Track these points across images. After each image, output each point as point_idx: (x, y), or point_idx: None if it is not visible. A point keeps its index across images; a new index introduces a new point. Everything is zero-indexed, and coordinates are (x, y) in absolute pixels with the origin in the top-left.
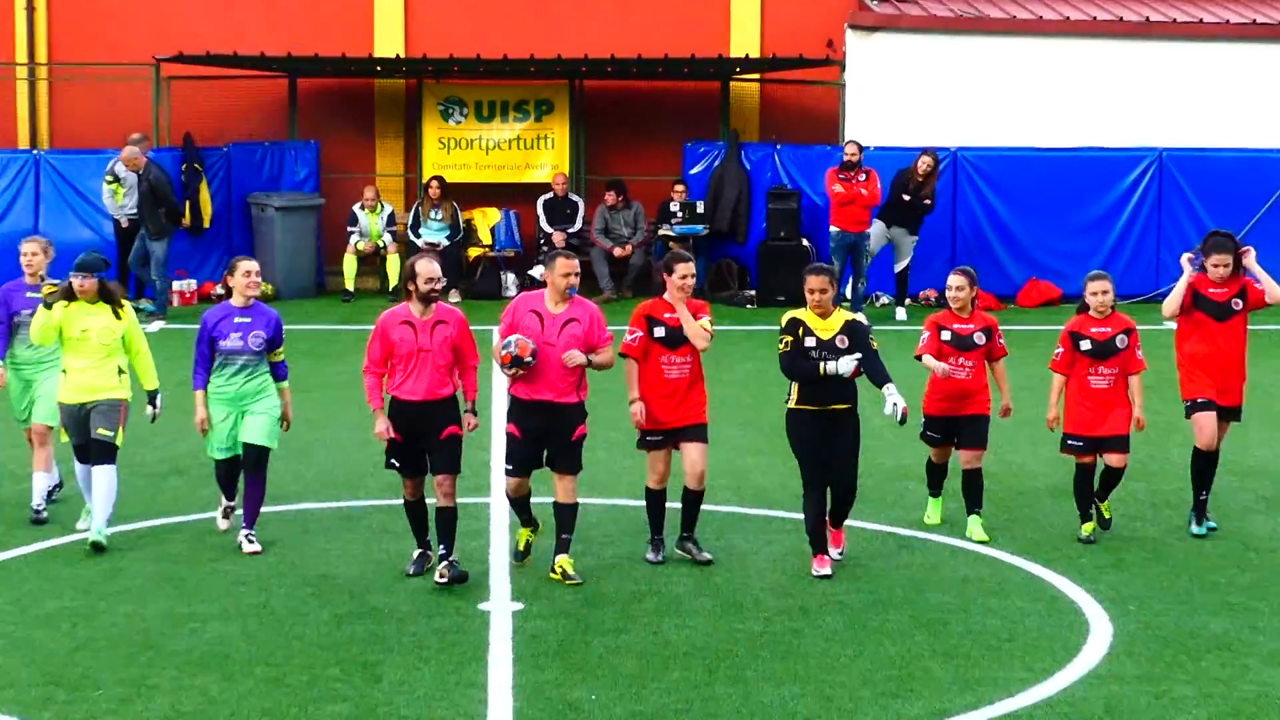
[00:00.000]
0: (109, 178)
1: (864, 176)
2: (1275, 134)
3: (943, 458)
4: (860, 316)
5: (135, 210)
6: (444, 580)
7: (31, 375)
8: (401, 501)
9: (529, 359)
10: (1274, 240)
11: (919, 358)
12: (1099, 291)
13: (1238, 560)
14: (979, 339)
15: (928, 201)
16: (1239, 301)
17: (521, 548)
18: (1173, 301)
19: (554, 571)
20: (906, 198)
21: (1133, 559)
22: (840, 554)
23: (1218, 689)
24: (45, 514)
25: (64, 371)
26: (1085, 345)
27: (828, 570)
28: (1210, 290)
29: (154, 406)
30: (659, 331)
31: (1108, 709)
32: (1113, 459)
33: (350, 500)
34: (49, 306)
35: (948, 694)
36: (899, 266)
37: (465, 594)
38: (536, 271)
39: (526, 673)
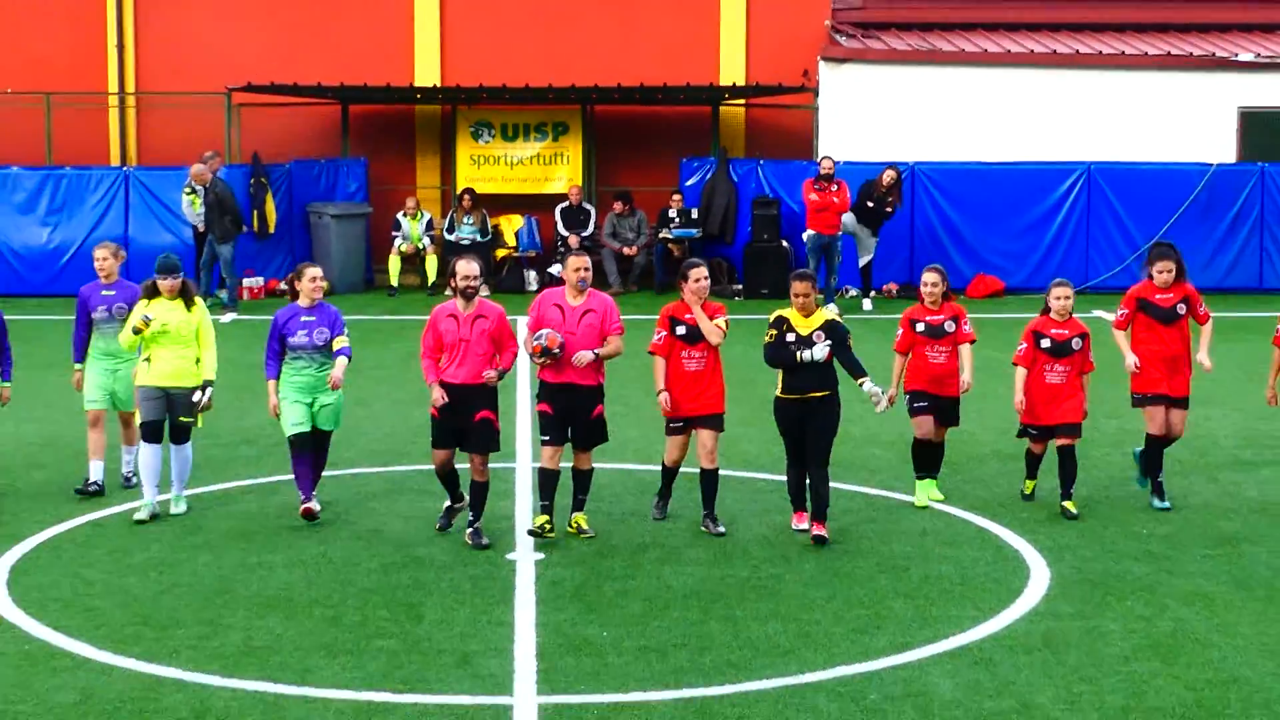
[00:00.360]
0: (187, 189)
1: (835, 187)
2: (1187, 150)
3: (928, 431)
4: (836, 315)
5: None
6: (469, 544)
7: (114, 367)
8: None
9: (557, 350)
10: (1186, 240)
11: (897, 353)
12: (1061, 297)
13: (1156, 515)
14: (949, 327)
15: (890, 210)
16: (1182, 307)
17: (535, 527)
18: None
19: (570, 526)
20: (870, 204)
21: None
22: (823, 535)
23: (1140, 624)
24: (135, 480)
25: (146, 360)
26: (1045, 343)
27: (805, 525)
28: (1157, 296)
29: (204, 393)
30: (680, 330)
31: (1045, 641)
32: (1062, 440)
33: (396, 466)
34: (138, 331)
35: (909, 629)
36: (862, 262)
37: (495, 546)
38: (555, 269)
39: (547, 612)
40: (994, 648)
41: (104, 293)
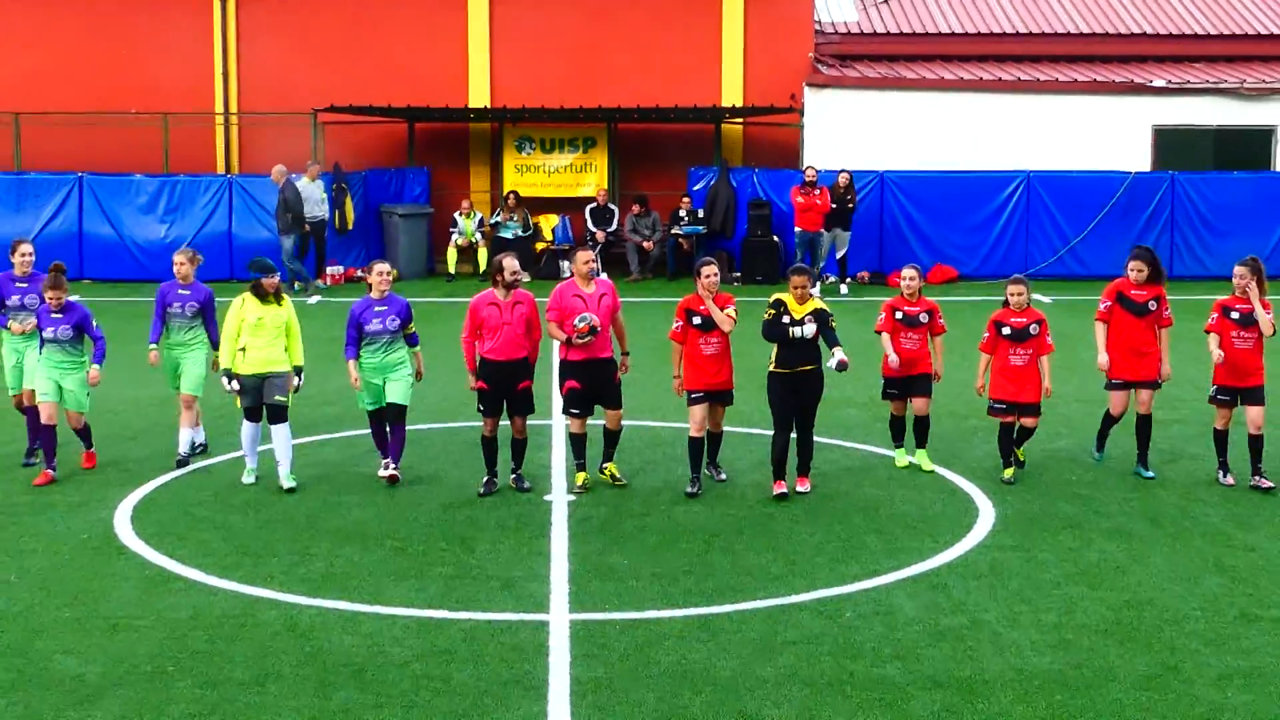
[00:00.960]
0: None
1: (818, 191)
2: (1110, 161)
3: (901, 410)
4: (822, 304)
5: (317, 215)
6: (514, 488)
7: (180, 355)
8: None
9: (597, 327)
10: (1110, 238)
11: (878, 333)
12: (1015, 293)
13: (1083, 465)
14: (923, 318)
15: (851, 206)
16: (1154, 304)
17: (579, 484)
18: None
19: (602, 473)
20: (834, 205)
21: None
22: (807, 490)
23: (1070, 555)
24: (189, 460)
25: (242, 350)
26: (1006, 331)
27: (784, 491)
28: (1132, 292)
29: (298, 377)
30: (696, 320)
31: (991, 569)
32: (1027, 421)
33: (451, 423)
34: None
35: (878, 559)
36: (840, 254)
37: (534, 489)
38: (565, 266)
39: (578, 544)
40: (949, 574)
41: (180, 292)
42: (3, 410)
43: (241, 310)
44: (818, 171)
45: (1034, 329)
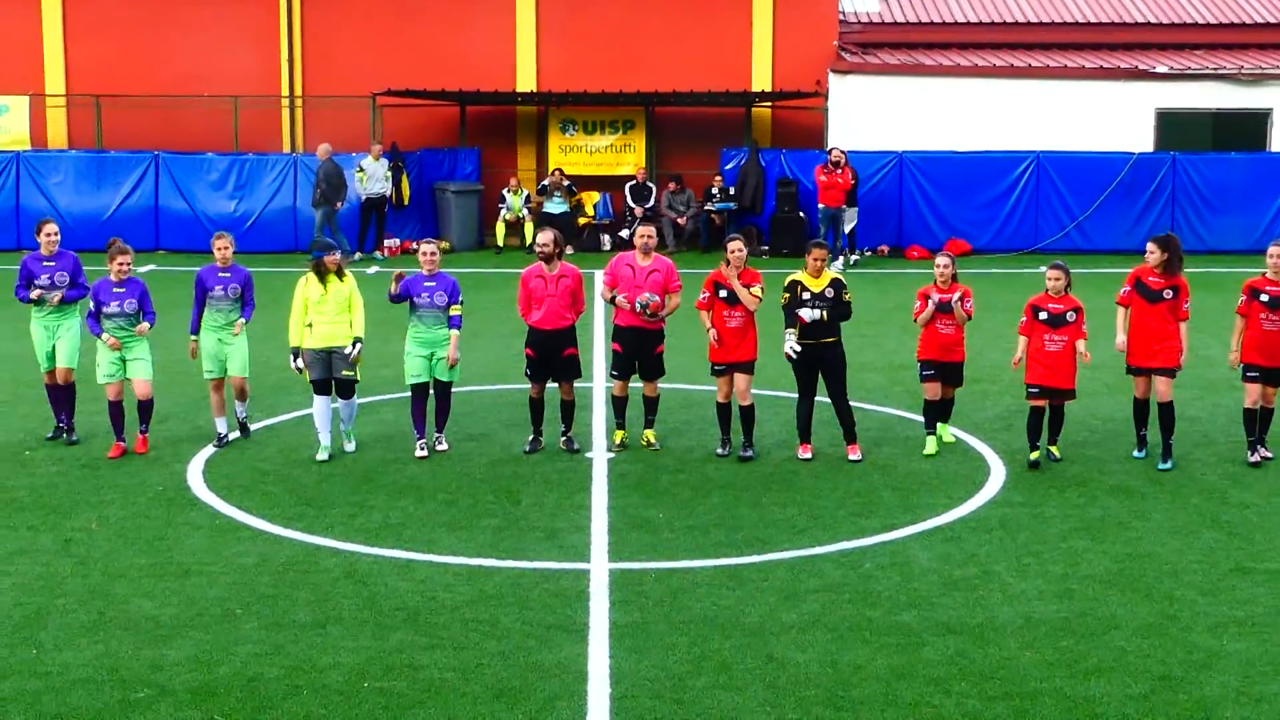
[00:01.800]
0: (358, 169)
1: (840, 170)
2: (1114, 142)
3: (936, 395)
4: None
5: (378, 191)
6: (563, 449)
7: (227, 339)
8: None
9: (652, 310)
10: (1114, 215)
11: (916, 319)
12: (1053, 279)
13: (1089, 426)
14: (956, 304)
15: (853, 181)
16: (1169, 292)
17: (617, 443)
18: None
19: (642, 441)
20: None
21: (1019, 425)
22: (858, 458)
23: (1075, 511)
24: (227, 440)
25: (309, 325)
26: (1043, 315)
27: (808, 455)
28: (1150, 279)
29: (354, 348)
30: (722, 293)
31: (1001, 523)
32: (1058, 402)
33: (499, 385)
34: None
35: (895, 513)
36: (848, 229)
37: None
38: (626, 233)
39: (616, 498)
40: (962, 528)
41: (221, 275)
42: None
43: (305, 288)
44: (844, 153)
45: (1070, 316)
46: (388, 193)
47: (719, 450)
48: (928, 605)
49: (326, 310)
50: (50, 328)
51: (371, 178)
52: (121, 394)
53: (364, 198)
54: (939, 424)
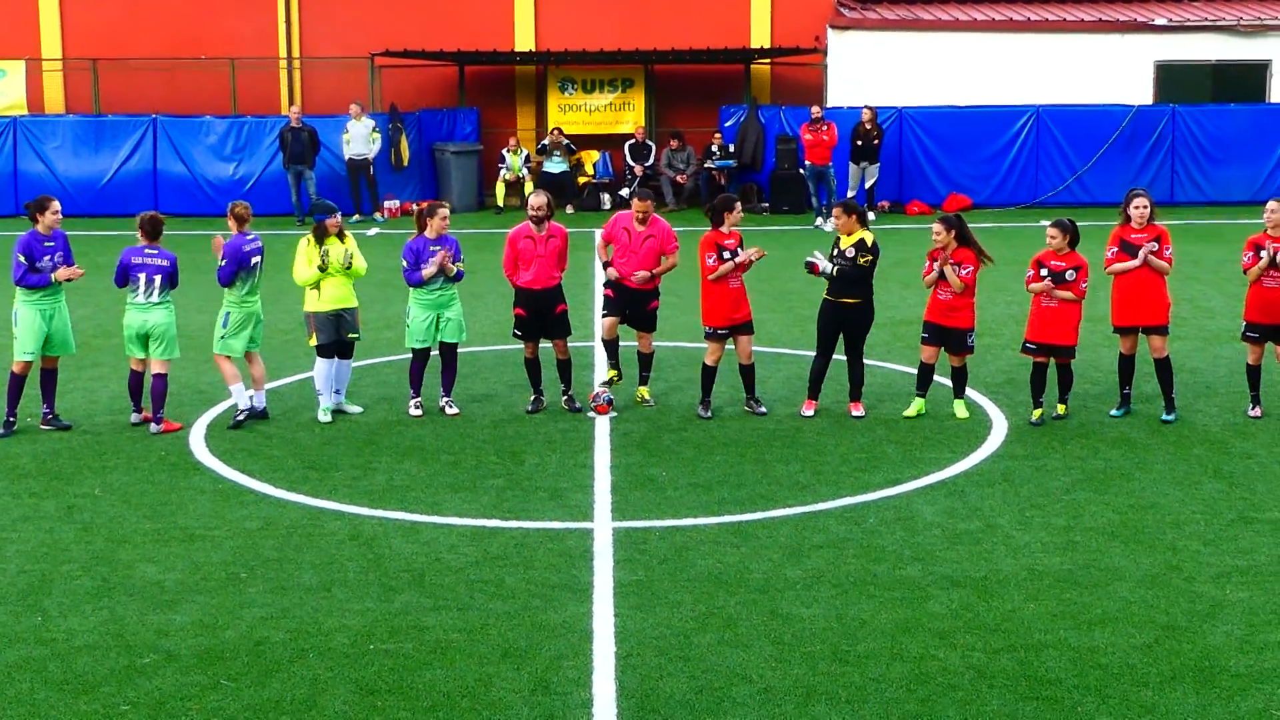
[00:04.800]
0: (345, 132)
1: (825, 127)
2: (1114, 95)
3: (932, 358)
4: (867, 236)
5: (361, 153)
6: (565, 409)
7: (258, 310)
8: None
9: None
10: (1115, 167)
11: (926, 280)
12: (1052, 237)
13: (1091, 379)
14: (959, 269)
15: (876, 142)
16: (1154, 245)
17: (606, 380)
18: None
19: (637, 398)
20: (859, 142)
21: (1021, 379)
22: (861, 414)
23: (1077, 463)
24: (243, 417)
25: (316, 288)
26: (1044, 272)
27: (811, 413)
28: (1133, 235)
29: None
30: (725, 255)
31: (1004, 476)
32: (1061, 360)
33: (501, 346)
34: (322, 269)
35: (898, 468)
36: (869, 184)
37: (581, 409)
38: (625, 191)
39: (619, 457)
40: (965, 482)
41: (251, 243)
42: (84, 341)
43: (308, 251)
44: (823, 109)
45: (1070, 274)
46: (372, 155)
47: (700, 412)
48: (932, 559)
49: (332, 272)
50: (45, 311)
51: (355, 139)
52: (143, 368)
53: (348, 159)
54: (955, 400)
